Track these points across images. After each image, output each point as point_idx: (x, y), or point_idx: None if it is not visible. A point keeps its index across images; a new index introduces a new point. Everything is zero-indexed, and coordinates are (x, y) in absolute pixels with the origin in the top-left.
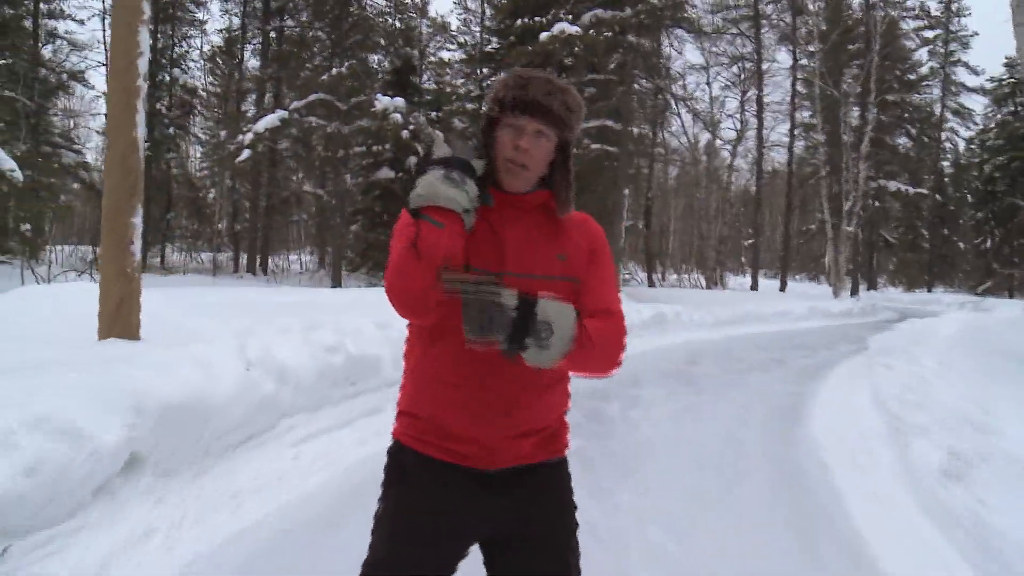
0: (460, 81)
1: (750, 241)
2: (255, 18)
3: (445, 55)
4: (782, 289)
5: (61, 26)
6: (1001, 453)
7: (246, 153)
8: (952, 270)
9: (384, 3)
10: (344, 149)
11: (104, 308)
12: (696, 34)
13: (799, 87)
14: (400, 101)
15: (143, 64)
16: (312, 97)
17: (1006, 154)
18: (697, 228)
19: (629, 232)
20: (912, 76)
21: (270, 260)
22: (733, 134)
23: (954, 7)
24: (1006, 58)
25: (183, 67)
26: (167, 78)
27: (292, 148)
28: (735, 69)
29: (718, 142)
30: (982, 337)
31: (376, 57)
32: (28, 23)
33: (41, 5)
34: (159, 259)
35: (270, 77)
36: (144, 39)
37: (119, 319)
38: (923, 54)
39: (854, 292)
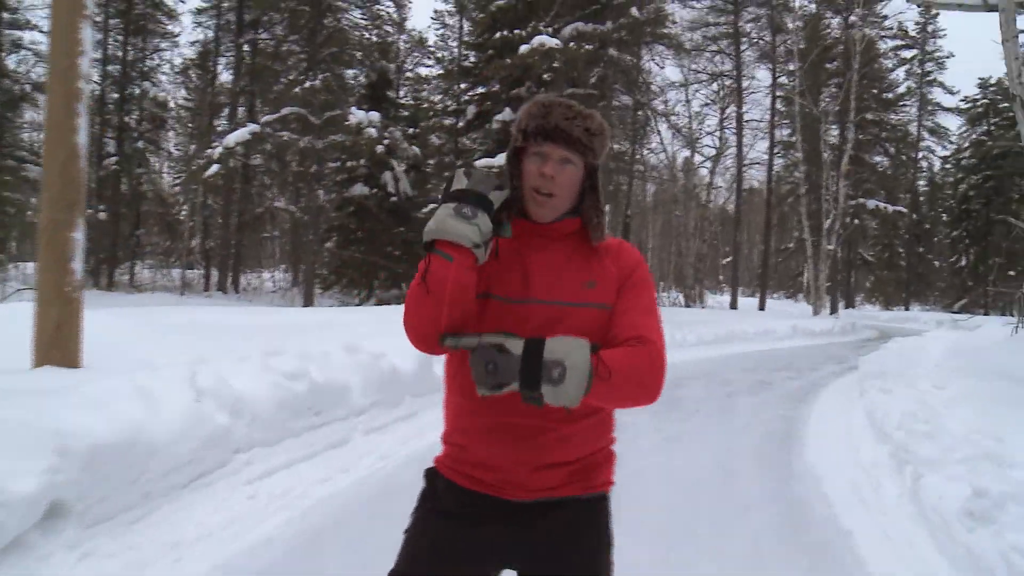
0: (438, 97)
1: (728, 259)
2: (229, 31)
3: (423, 71)
4: (761, 307)
5: (27, 36)
6: None
7: (215, 168)
8: (927, 288)
9: (360, 16)
10: (317, 164)
11: (40, 332)
12: (676, 51)
13: (779, 105)
14: (375, 115)
15: (85, 64)
16: (285, 110)
17: (980, 173)
18: (676, 246)
19: None
20: (889, 95)
21: (242, 278)
22: (712, 151)
23: (930, 28)
24: (979, 79)
25: (153, 80)
26: (137, 91)
27: (266, 164)
28: (715, 86)
29: (697, 158)
30: (976, 358)
31: (352, 72)
32: None
33: (3, 14)
34: (128, 277)
35: (243, 91)
36: (87, 37)
37: (57, 344)
38: (900, 74)
39: (833, 310)
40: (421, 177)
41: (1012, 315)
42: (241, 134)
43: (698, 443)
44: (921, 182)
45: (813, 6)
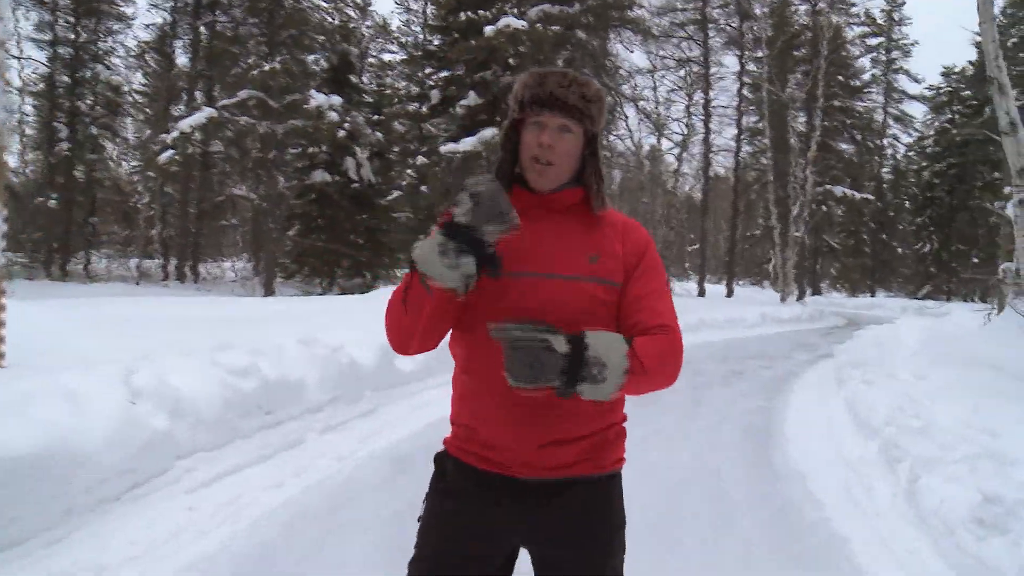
0: (402, 83)
1: (694, 246)
2: (185, 13)
3: (387, 57)
4: (729, 294)
5: None
6: None
7: (169, 153)
8: (891, 275)
9: None
10: (277, 150)
11: None
12: (643, 36)
13: (746, 92)
14: (336, 99)
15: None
16: (242, 94)
17: (944, 161)
18: None
19: None
20: (856, 82)
21: (203, 267)
22: (680, 138)
23: (896, 16)
24: (943, 67)
25: (107, 64)
26: (89, 74)
27: (225, 150)
28: (682, 72)
29: (665, 144)
30: (953, 347)
31: (314, 57)
32: None
33: None
34: (83, 267)
35: (200, 75)
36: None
37: None
38: (866, 61)
39: (800, 297)
40: (385, 164)
41: (975, 301)
42: (196, 118)
43: (676, 439)
44: (885, 170)
45: None
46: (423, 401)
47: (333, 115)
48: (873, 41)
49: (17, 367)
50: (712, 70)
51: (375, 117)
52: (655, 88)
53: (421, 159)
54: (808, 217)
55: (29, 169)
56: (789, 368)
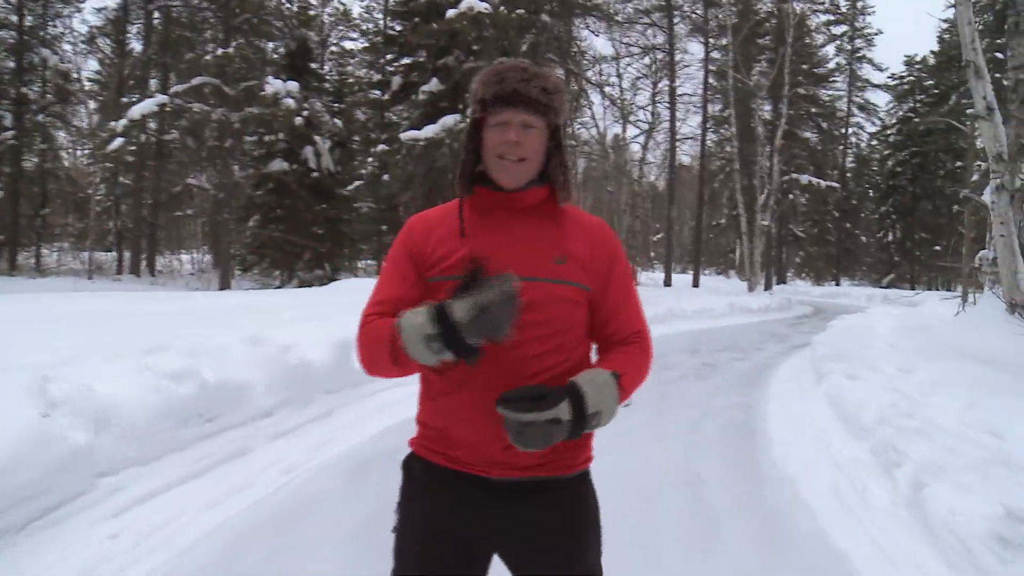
0: (363, 71)
1: (659, 235)
2: None
3: (348, 44)
4: (695, 284)
5: None
6: None
7: (118, 141)
8: (855, 263)
9: None
10: (233, 138)
11: None
12: (608, 23)
13: (711, 80)
14: (293, 85)
15: None
16: (196, 80)
17: (907, 150)
18: (608, 223)
19: None
20: (820, 71)
21: (160, 260)
22: (645, 127)
23: (859, 4)
24: (906, 56)
25: (55, 49)
26: (36, 59)
27: (182, 139)
28: (647, 60)
29: (630, 132)
30: (931, 338)
31: (273, 45)
32: None
33: None
34: (34, 260)
35: (152, 61)
36: None
37: None
38: (830, 50)
39: (767, 287)
40: (347, 154)
41: (938, 289)
42: (147, 105)
43: (650, 440)
44: (848, 159)
45: None
46: (382, 403)
47: (290, 101)
48: (837, 30)
49: None
50: (677, 57)
51: (336, 106)
52: (620, 75)
53: (382, 147)
54: (775, 206)
55: None
56: (763, 360)
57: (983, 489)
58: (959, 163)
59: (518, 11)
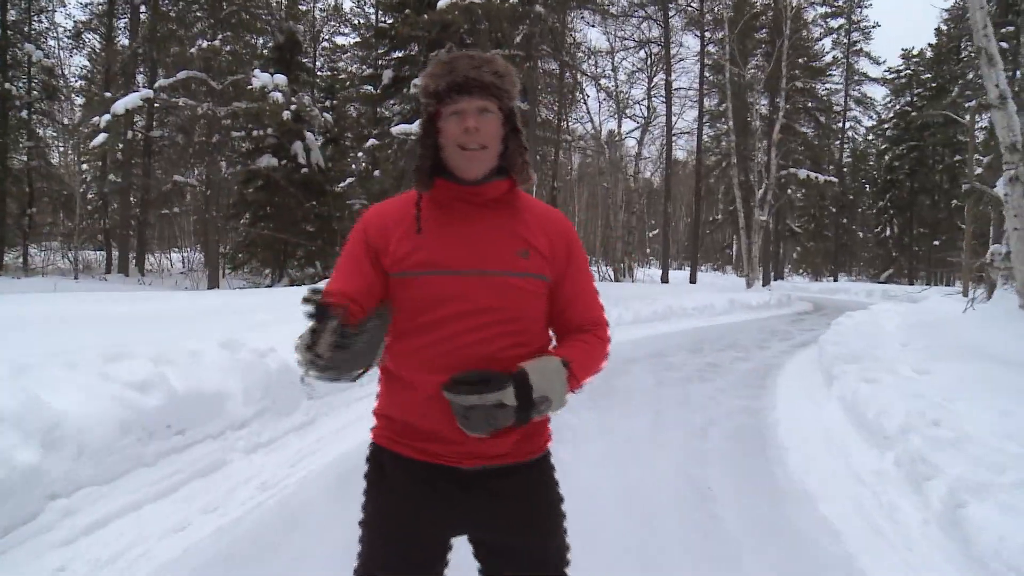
0: (355, 67)
1: (654, 232)
2: None
3: (340, 40)
4: (692, 280)
5: None
6: None
7: (101, 137)
8: (852, 258)
9: None
10: (219, 134)
11: None
12: (602, 16)
13: (707, 74)
14: (281, 78)
15: None
16: (181, 74)
17: (904, 144)
18: (604, 219)
19: None
20: (817, 64)
21: (151, 258)
22: (641, 121)
23: None
24: (903, 50)
25: (38, 44)
26: (19, 54)
27: (171, 136)
28: (642, 54)
29: (625, 126)
30: (942, 336)
31: (263, 40)
32: None
33: None
34: (22, 259)
35: (139, 56)
36: None
37: None
38: (827, 43)
39: (765, 282)
40: (339, 150)
41: (937, 284)
42: (131, 100)
43: (655, 447)
44: (844, 153)
45: None
46: (368, 409)
47: (278, 95)
48: (834, 23)
49: None
50: (673, 51)
51: (328, 102)
52: (614, 69)
53: (373, 142)
54: (772, 201)
55: None
56: (767, 360)
57: None
58: (958, 157)
59: (511, 1)
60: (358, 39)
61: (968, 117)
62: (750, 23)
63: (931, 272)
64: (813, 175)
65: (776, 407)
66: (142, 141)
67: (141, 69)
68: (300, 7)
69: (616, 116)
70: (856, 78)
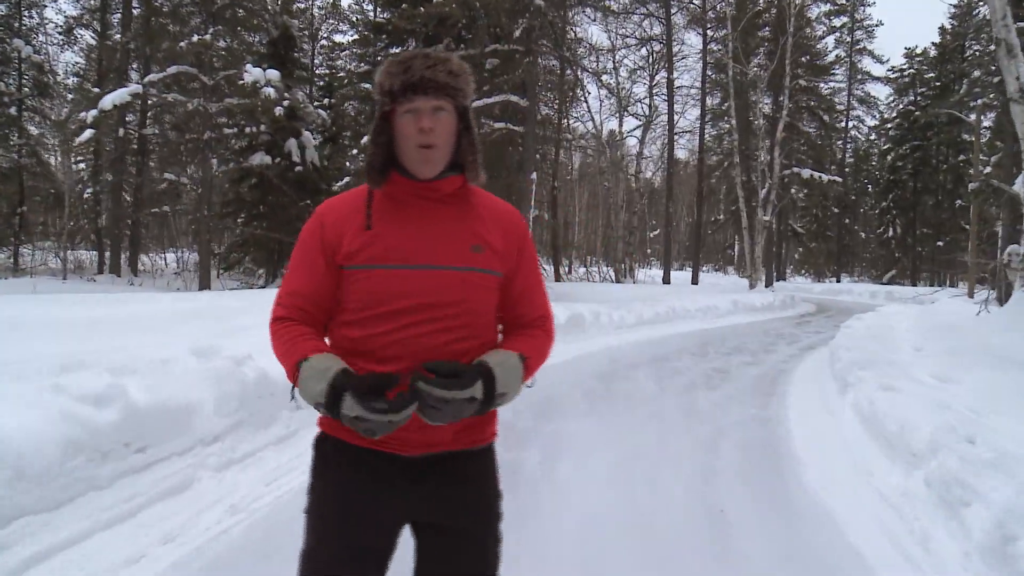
0: (354, 65)
1: (655, 232)
2: None
3: (338, 38)
4: (694, 281)
5: None
6: None
7: (88, 133)
8: (854, 259)
9: None
10: (211, 131)
11: None
12: (603, 11)
13: (710, 72)
14: (274, 73)
15: None
16: (172, 69)
17: (907, 144)
18: (605, 219)
19: (535, 223)
20: (820, 63)
21: (146, 258)
22: (642, 119)
23: None
24: (906, 48)
25: (27, 39)
26: (7, 50)
27: (163, 133)
28: (644, 51)
29: (627, 125)
30: (960, 339)
31: (258, 37)
32: None
33: None
34: (13, 259)
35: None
36: None
37: None
38: (830, 42)
39: (768, 283)
40: (338, 149)
41: (942, 285)
42: (119, 95)
43: (663, 464)
44: (847, 153)
45: None
46: None
47: (270, 91)
48: (837, 21)
49: None
50: (675, 48)
51: (327, 100)
52: (616, 68)
53: (367, 138)
54: (776, 201)
55: None
56: (776, 364)
57: None
58: (962, 157)
59: None
60: (356, 36)
61: (974, 116)
62: (752, 21)
63: (934, 273)
64: (817, 175)
65: (788, 416)
66: (135, 139)
67: (135, 66)
68: (297, 4)
69: (617, 115)
70: (859, 77)
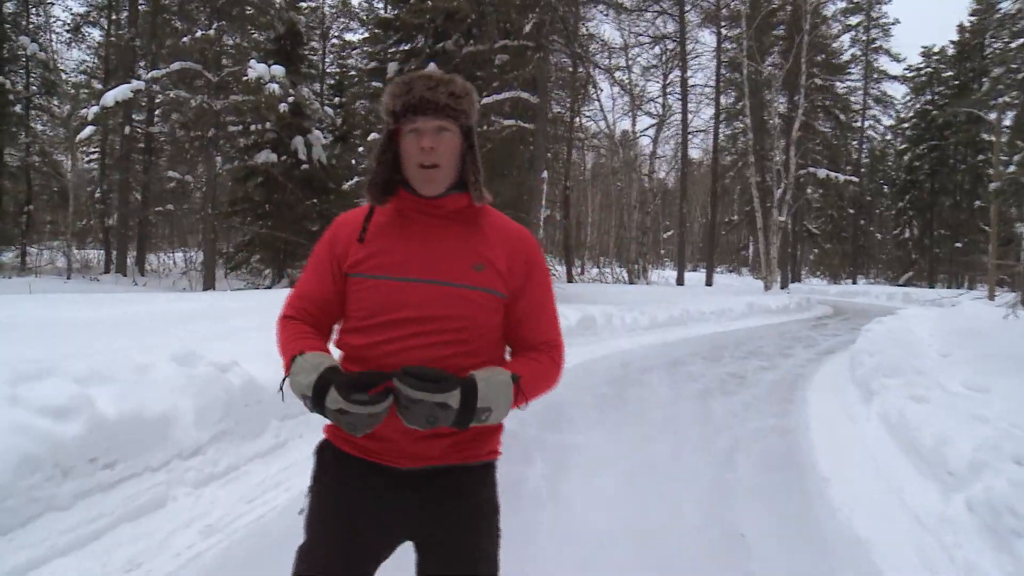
0: (364, 62)
1: (668, 233)
2: None
3: (349, 36)
4: (708, 283)
5: None
6: None
7: (88, 130)
8: (870, 260)
9: None
10: (216, 128)
11: None
12: (616, 10)
13: (724, 70)
14: (278, 69)
15: None
16: (175, 65)
17: (925, 143)
18: (618, 219)
19: (546, 223)
20: (835, 61)
21: (154, 258)
22: (656, 118)
23: None
24: (923, 47)
25: (34, 37)
26: (15, 47)
27: (171, 131)
28: (657, 50)
29: (640, 124)
30: (987, 344)
31: (264, 35)
32: None
33: None
34: (20, 258)
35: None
36: None
37: None
38: (845, 40)
39: (784, 285)
40: (349, 148)
41: (960, 287)
42: (121, 91)
43: (676, 479)
44: (862, 154)
45: None
46: None
47: (274, 87)
48: (853, 19)
49: None
50: (689, 47)
51: (338, 99)
52: (628, 67)
53: (375, 135)
54: (791, 201)
55: None
56: (793, 369)
57: None
58: (981, 157)
59: None
60: (367, 35)
61: (995, 114)
62: (767, 19)
63: (952, 275)
64: (833, 175)
65: (809, 427)
66: (142, 137)
67: (142, 63)
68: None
69: (630, 114)
70: (875, 76)
